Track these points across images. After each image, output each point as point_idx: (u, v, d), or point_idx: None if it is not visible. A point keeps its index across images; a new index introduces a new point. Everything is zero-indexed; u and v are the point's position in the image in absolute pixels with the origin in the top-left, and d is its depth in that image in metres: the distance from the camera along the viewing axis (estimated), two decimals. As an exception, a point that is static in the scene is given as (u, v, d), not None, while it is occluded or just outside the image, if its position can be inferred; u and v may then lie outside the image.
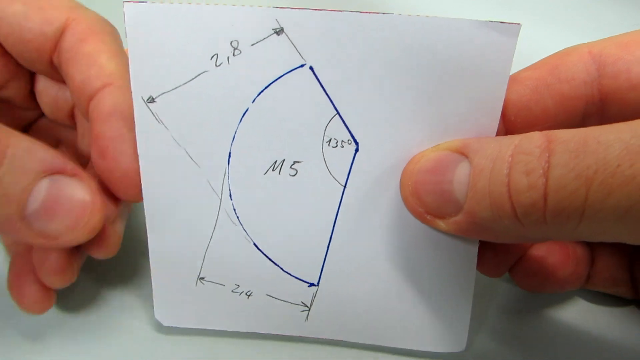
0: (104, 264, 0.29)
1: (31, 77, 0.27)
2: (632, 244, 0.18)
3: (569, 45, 0.22)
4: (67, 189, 0.21)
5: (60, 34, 0.24)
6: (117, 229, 0.25)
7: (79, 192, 0.21)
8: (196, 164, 0.23)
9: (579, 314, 0.28)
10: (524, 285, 0.26)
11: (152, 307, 0.26)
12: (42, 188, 0.20)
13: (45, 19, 0.24)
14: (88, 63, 0.23)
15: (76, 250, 0.24)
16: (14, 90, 0.26)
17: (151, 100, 0.22)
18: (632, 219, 0.16)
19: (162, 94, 0.22)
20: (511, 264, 0.26)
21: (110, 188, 0.24)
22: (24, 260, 0.25)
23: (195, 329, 0.27)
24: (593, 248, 0.26)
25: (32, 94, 0.27)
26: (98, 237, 0.23)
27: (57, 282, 0.24)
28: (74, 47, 0.24)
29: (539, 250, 0.26)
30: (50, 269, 0.23)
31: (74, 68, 0.24)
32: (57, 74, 0.26)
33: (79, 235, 0.22)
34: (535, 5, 0.41)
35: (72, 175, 0.21)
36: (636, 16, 0.41)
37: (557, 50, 0.23)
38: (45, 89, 0.27)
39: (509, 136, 0.19)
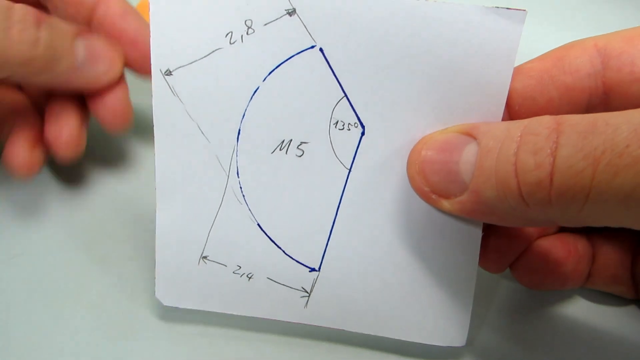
0: (105, 247, 0.30)
1: None
2: (636, 228, 0.18)
3: (567, 40, 0.23)
4: (98, 43, 0.28)
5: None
6: (129, 103, 0.30)
7: (106, 45, 0.28)
8: (207, 139, 0.24)
9: (579, 313, 0.27)
10: (525, 282, 0.26)
11: (149, 304, 0.26)
12: (81, 44, 0.27)
13: None
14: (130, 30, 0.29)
15: (83, 123, 0.30)
16: None
17: (168, 73, 0.23)
18: (637, 201, 0.16)
19: (178, 67, 0.23)
20: (512, 259, 0.26)
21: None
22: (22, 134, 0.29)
23: (195, 322, 0.27)
24: (594, 245, 0.26)
25: None
26: (114, 108, 0.29)
27: (70, 152, 0.29)
28: (118, 15, 0.29)
29: (541, 247, 0.25)
30: (63, 141, 0.28)
31: None
32: None
33: (116, 73, 0.29)
34: (536, 4, 0.41)
35: (97, 36, 0.28)
36: (637, 15, 0.41)
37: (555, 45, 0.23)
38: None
39: (517, 120, 0.19)
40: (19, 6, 0.25)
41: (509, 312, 0.28)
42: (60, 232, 0.31)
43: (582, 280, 0.26)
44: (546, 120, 0.18)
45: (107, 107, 0.29)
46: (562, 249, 0.25)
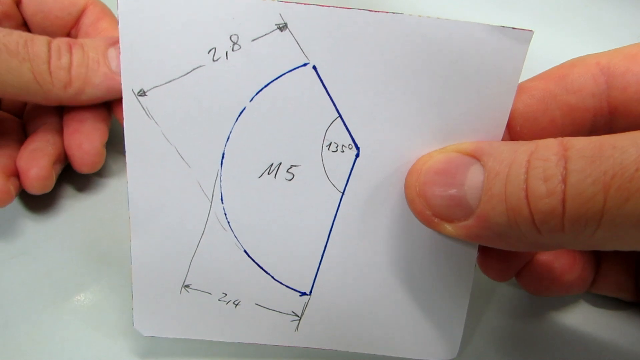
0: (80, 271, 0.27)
1: None
2: None
3: (570, 49, 0.22)
4: None
5: (81, 13, 0.31)
6: (103, 150, 0.30)
7: None
8: (187, 163, 0.22)
9: (582, 318, 0.28)
10: (530, 289, 0.26)
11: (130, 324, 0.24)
12: (113, 52, 0.28)
13: (72, 2, 0.31)
14: (105, 35, 0.31)
15: (57, 163, 0.29)
16: None
17: (142, 93, 0.20)
18: None
19: (154, 87, 0.20)
20: (519, 268, 0.25)
21: None
22: None
23: (177, 348, 0.25)
24: (599, 253, 0.26)
25: None
26: (87, 151, 0.29)
27: (35, 188, 0.28)
28: (93, 23, 0.31)
29: (546, 255, 0.25)
30: (30, 176, 0.28)
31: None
32: None
33: None
34: (536, 7, 0.40)
35: None
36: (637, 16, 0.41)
37: (558, 53, 0.22)
38: None
39: (522, 142, 0.19)
40: (57, 39, 0.28)
41: (510, 317, 0.28)
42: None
43: (587, 286, 0.26)
44: (552, 144, 0.18)
45: (82, 150, 0.29)
46: (567, 258, 0.25)
